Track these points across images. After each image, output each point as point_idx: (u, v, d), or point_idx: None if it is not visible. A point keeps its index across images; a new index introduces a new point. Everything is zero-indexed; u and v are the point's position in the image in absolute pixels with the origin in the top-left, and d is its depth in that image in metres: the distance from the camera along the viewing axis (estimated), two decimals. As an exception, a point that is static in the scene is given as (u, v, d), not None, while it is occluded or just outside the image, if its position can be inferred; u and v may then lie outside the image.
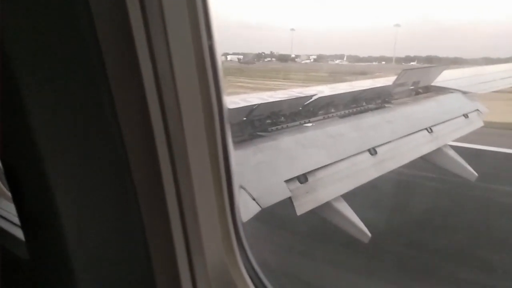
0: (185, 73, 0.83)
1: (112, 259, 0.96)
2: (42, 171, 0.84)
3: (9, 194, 1.02)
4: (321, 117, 4.64)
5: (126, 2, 0.73)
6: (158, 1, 0.76)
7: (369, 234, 3.54)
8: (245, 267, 1.06)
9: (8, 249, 1.15)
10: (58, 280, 1.01)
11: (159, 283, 0.95)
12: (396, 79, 5.74)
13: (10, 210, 1.12)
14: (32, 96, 0.80)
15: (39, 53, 0.79)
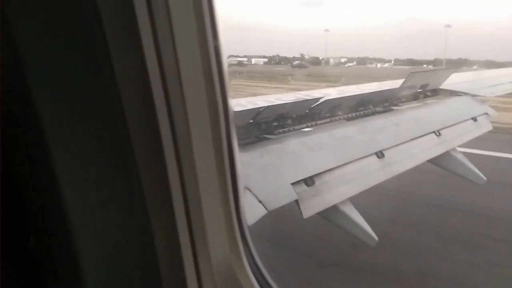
0: (191, 74, 0.84)
1: (118, 258, 0.97)
2: (50, 169, 0.86)
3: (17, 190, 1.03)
4: (328, 120, 4.63)
5: (133, 2, 0.75)
6: (165, 2, 0.77)
7: (376, 238, 3.52)
8: (250, 267, 1.07)
9: None
10: (65, 278, 1.03)
11: (164, 281, 0.96)
12: (404, 82, 5.70)
13: None
14: (40, 95, 0.81)
15: (46, 52, 0.80)
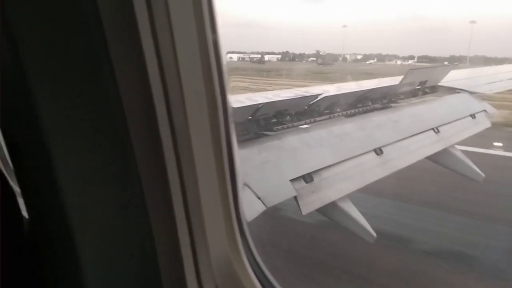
0: (190, 71, 0.84)
1: (118, 254, 0.97)
2: (50, 168, 0.86)
3: (18, 189, 1.04)
4: (326, 117, 4.63)
5: None
6: None
7: (374, 234, 3.53)
8: (249, 262, 1.07)
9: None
10: (65, 277, 1.03)
11: (164, 276, 0.96)
12: (403, 79, 5.70)
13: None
14: (40, 94, 0.81)
15: (46, 52, 0.80)
